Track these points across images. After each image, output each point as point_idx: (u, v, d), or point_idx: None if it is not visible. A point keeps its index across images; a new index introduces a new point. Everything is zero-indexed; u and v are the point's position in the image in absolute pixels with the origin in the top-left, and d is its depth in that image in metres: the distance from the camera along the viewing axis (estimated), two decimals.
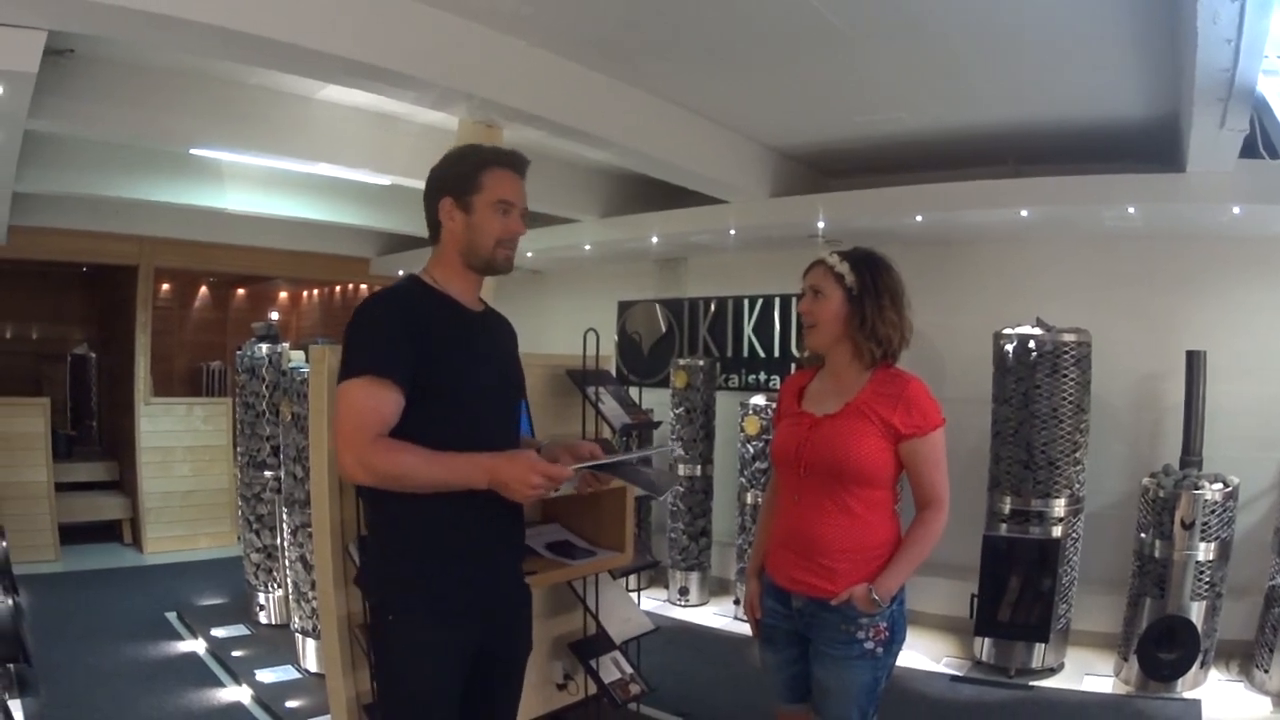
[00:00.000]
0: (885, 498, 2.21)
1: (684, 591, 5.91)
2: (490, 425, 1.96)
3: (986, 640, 4.68)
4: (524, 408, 2.81)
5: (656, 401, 5.81)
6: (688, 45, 3.84)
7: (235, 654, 4.62)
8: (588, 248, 6.67)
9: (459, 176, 1.97)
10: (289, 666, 4.42)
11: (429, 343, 1.85)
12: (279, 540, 4.91)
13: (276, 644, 4.73)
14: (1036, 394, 4.55)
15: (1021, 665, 4.55)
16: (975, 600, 4.60)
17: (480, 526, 1.94)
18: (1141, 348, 5.03)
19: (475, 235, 1.96)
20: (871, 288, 2.20)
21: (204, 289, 10.72)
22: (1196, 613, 4.21)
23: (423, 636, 1.88)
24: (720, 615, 5.70)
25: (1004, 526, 4.65)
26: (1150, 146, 4.56)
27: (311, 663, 4.34)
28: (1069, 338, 4.56)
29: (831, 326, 2.23)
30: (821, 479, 2.17)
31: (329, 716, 2.87)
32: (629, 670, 3.44)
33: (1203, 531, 4.18)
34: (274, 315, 10.99)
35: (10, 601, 4.07)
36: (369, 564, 1.99)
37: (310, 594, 4.26)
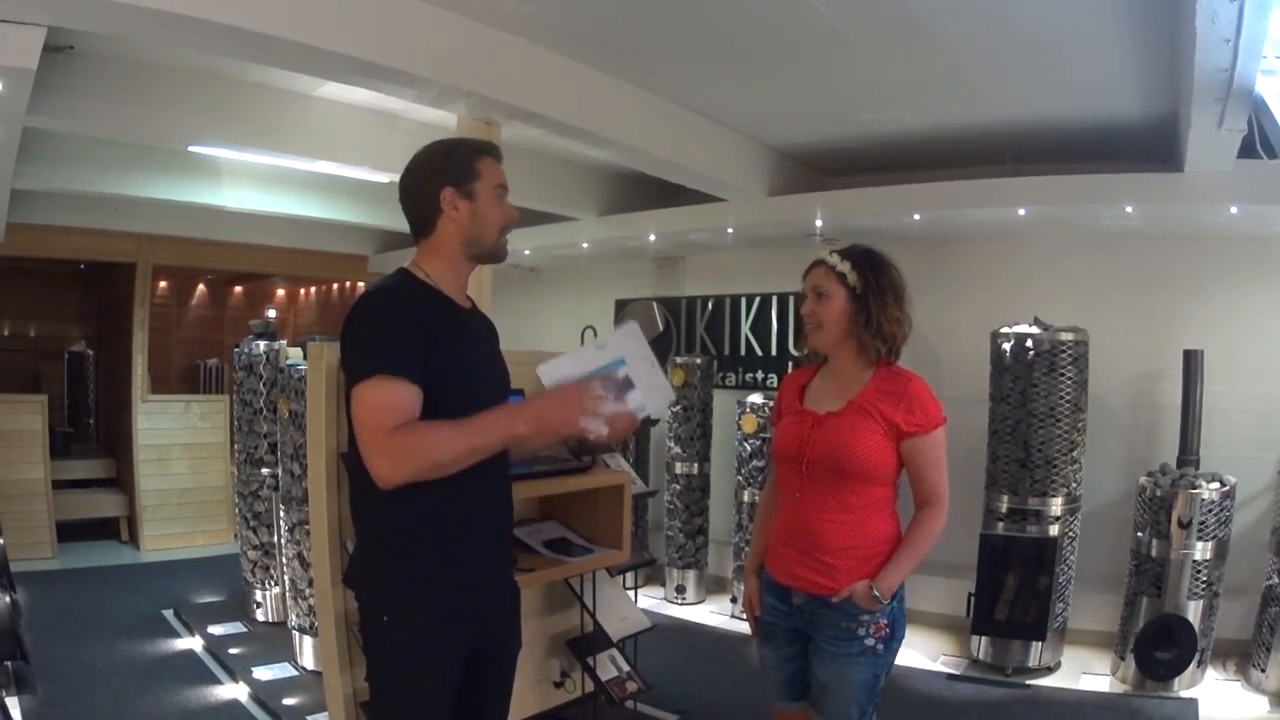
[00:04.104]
0: (886, 495, 2.21)
1: (681, 589, 5.92)
2: None
3: (983, 639, 4.68)
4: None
5: None
6: (688, 44, 3.84)
7: (232, 651, 4.62)
8: (585, 246, 6.67)
9: (458, 166, 1.95)
10: (286, 664, 4.42)
11: (428, 339, 1.82)
12: (276, 537, 4.91)
13: (273, 641, 4.73)
14: (1034, 393, 4.55)
15: (1018, 664, 4.56)
16: (972, 599, 4.60)
17: (473, 527, 1.93)
18: (1139, 347, 5.04)
19: (480, 223, 1.95)
20: (875, 285, 2.21)
21: (201, 286, 10.70)
22: (1193, 612, 4.22)
23: (418, 638, 1.86)
24: (717, 613, 5.70)
25: (1001, 525, 4.66)
26: (1148, 146, 4.56)
27: (308, 660, 4.34)
28: (1066, 337, 4.56)
29: (836, 327, 2.23)
30: (823, 476, 2.18)
31: (326, 714, 2.88)
32: (626, 668, 3.44)
33: (1200, 531, 4.19)
34: (271, 313, 10.97)
35: (8, 599, 4.07)
36: (361, 564, 1.96)
37: (307, 591, 4.25)
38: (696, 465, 5.92)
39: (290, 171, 5.75)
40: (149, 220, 6.80)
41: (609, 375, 1.86)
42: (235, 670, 4.35)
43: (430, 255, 1.98)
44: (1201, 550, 4.20)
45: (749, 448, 5.55)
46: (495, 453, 1.81)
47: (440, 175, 1.95)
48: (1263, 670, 4.21)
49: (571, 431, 1.80)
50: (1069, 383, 4.55)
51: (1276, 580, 4.15)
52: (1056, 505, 4.57)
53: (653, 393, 1.93)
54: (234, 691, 4.15)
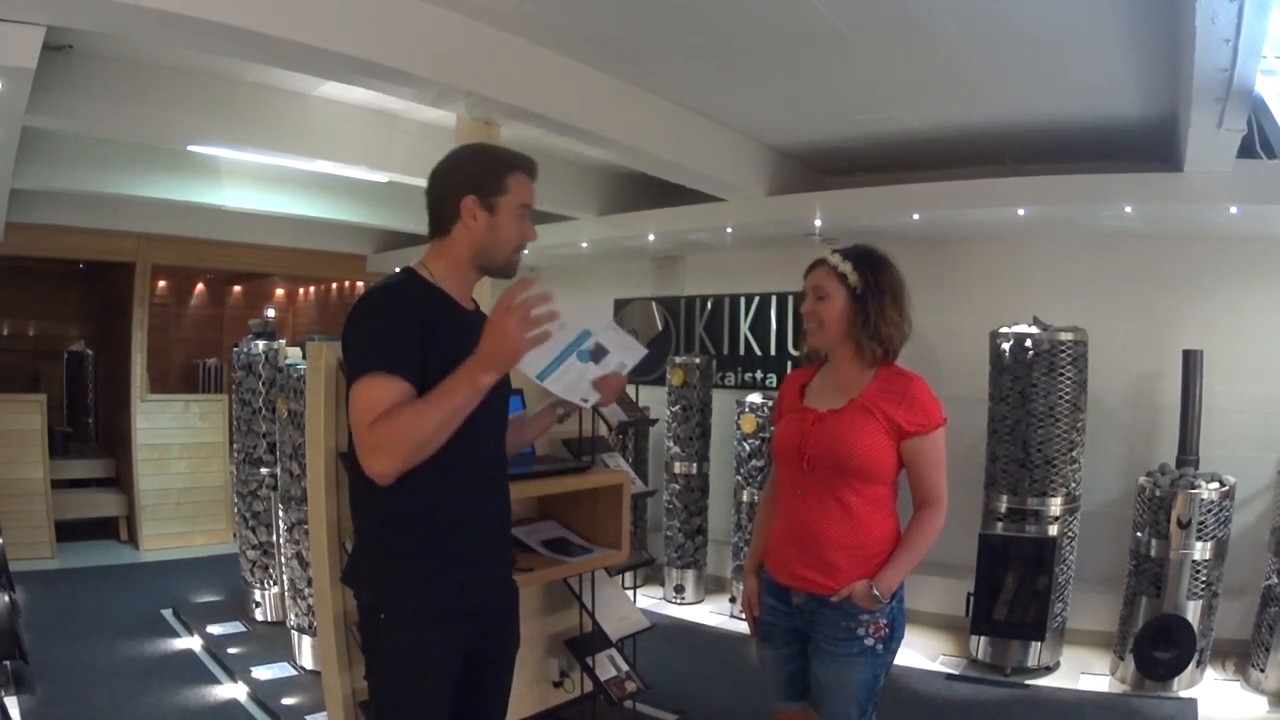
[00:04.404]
0: (886, 494, 2.22)
1: (680, 589, 5.92)
2: (481, 424, 1.89)
3: (982, 639, 4.68)
4: (520, 404, 2.81)
5: (653, 399, 5.81)
6: (687, 44, 3.84)
7: (231, 651, 4.62)
8: (585, 245, 6.67)
9: (486, 176, 1.93)
10: (285, 664, 4.42)
11: (429, 339, 1.81)
12: (275, 537, 4.90)
13: (272, 641, 4.73)
14: (1033, 393, 4.55)
15: (1017, 664, 4.55)
16: (971, 599, 4.60)
17: (472, 526, 1.93)
18: (1138, 347, 5.04)
19: (495, 238, 1.93)
20: (874, 287, 2.21)
21: (201, 286, 10.71)
22: (1192, 612, 4.22)
23: (418, 638, 1.86)
24: (716, 613, 5.70)
25: (1000, 525, 4.66)
26: (1148, 146, 4.57)
27: (307, 660, 4.34)
28: (1066, 336, 4.56)
29: (836, 326, 2.23)
30: (824, 473, 2.18)
31: (325, 714, 2.87)
32: (625, 668, 3.44)
33: (1199, 531, 4.19)
34: (270, 312, 10.99)
35: (7, 599, 4.07)
36: (360, 563, 1.96)
37: (306, 591, 4.25)
38: (695, 465, 5.92)
39: (290, 171, 5.75)
40: (148, 220, 6.80)
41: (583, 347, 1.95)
42: (234, 670, 4.34)
43: (439, 256, 1.97)
44: (1201, 550, 4.20)
45: (748, 447, 5.55)
46: (471, 410, 1.76)
47: (466, 181, 1.93)
48: (1262, 670, 4.21)
49: (525, 345, 1.72)
50: (1068, 383, 4.55)
51: (1276, 580, 4.15)
52: (1056, 505, 4.57)
53: (626, 351, 2.02)
54: (233, 691, 4.14)
